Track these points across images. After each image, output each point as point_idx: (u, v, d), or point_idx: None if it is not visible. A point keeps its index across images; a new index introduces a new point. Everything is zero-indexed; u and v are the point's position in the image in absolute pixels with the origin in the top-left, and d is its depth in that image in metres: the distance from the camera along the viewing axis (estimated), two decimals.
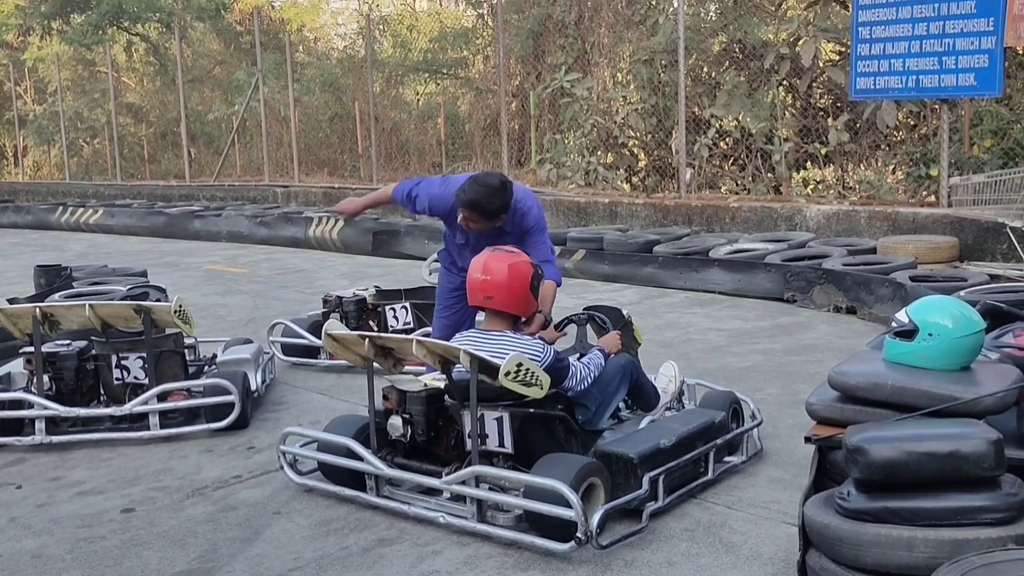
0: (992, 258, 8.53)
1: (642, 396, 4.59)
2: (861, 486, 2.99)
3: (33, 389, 5.27)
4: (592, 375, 4.27)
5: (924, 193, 10.50)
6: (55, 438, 5.15)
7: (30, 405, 5.16)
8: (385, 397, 4.20)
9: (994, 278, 7.54)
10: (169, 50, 22.85)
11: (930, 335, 3.39)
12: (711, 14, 13.49)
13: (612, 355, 4.51)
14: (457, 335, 4.32)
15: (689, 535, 3.80)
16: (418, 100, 19.37)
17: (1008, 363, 3.62)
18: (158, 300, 6.64)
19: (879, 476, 2.93)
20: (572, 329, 5.02)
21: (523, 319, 4.30)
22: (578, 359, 4.54)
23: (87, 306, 5.32)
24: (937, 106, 10.01)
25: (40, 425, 5.14)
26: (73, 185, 21.62)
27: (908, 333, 3.45)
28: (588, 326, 4.99)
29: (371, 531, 3.96)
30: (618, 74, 14.58)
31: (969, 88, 9.09)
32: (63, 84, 23.05)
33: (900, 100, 10.32)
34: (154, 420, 5.22)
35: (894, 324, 3.55)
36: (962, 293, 5.86)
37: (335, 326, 4.24)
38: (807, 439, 3.48)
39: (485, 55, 18.09)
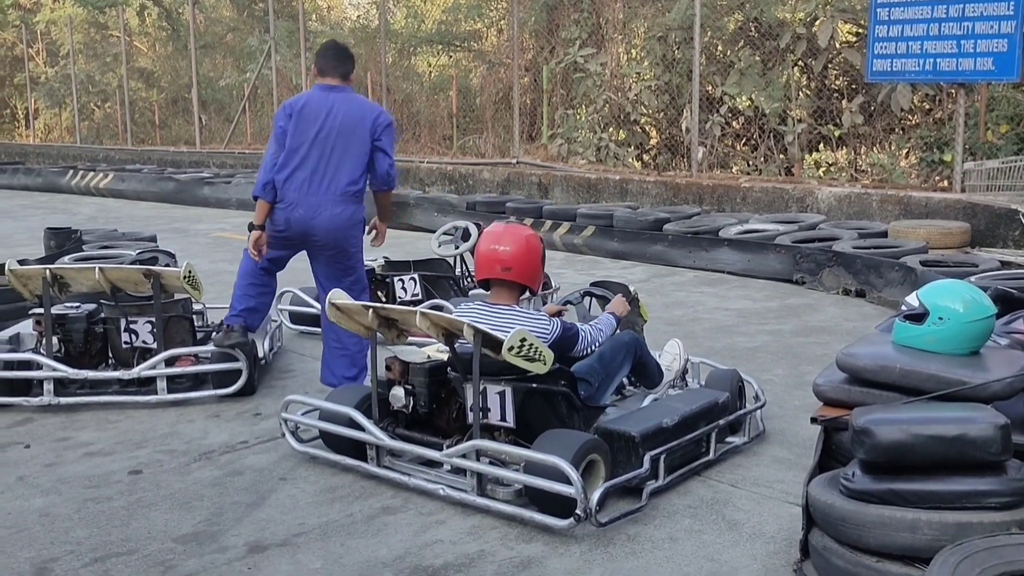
0: (1004, 244, 8.49)
1: (645, 373, 4.59)
2: (866, 467, 2.99)
3: (42, 350, 5.30)
4: (603, 334, 4.27)
5: (937, 178, 10.44)
6: (63, 399, 5.18)
7: (39, 366, 5.19)
8: (388, 368, 4.21)
9: (1005, 264, 7.51)
10: (182, 15, 22.76)
11: (940, 319, 3.38)
12: None
13: (621, 316, 4.51)
14: (463, 306, 4.32)
15: (692, 512, 3.81)
16: (430, 72, 19.27)
17: (1017, 349, 3.61)
18: (167, 265, 6.65)
19: (885, 458, 2.93)
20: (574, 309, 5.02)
21: (533, 291, 4.31)
22: None
23: (97, 269, 5.33)
24: (953, 90, 9.94)
25: (48, 386, 5.17)
26: (84, 149, 21.62)
27: (918, 316, 3.44)
28: (593, 300, 4.98)
29: (376, 499, 3.98)
30: (632, 50, 14.49)
31: (986, 72, 9.01)
32: (75, 47, 23.00)
33: (916, 83, 10.25)
34: (161, 384, 5.25)
35: (904, 307, 3.54)
36: (973, 279, 5.83)
37: (339, 295, 4.25)
38: (813, 420, 3.48)
39: (499, 28, 17.98)
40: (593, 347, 4.24)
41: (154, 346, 5.34)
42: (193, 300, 5.76)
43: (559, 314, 4.71)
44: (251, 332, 5.39)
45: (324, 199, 5.15)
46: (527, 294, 4.40)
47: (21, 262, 5.61)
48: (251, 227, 5.30)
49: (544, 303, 6.36)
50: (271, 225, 5.26)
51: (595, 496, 3.55)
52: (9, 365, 5.22)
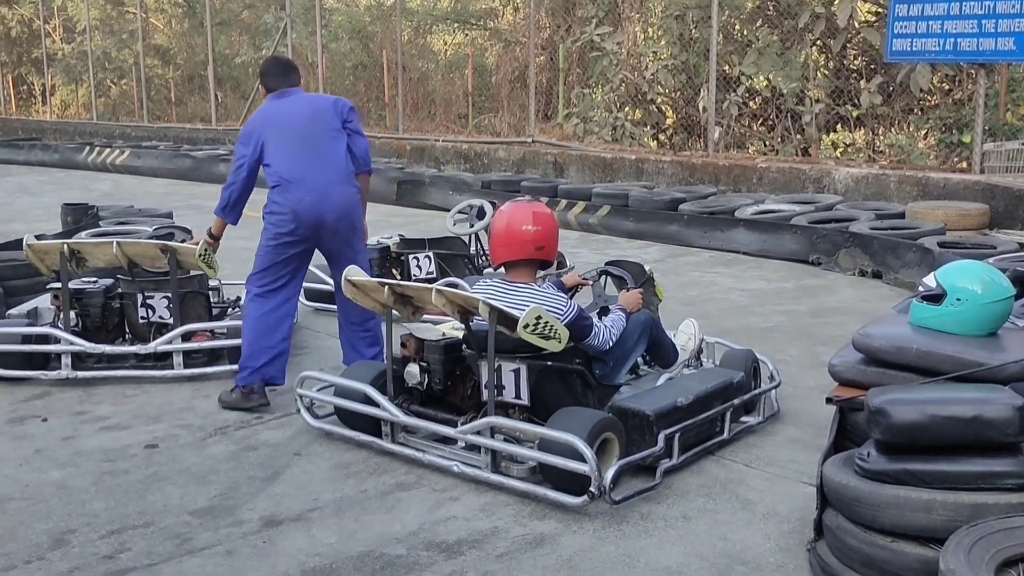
0: (1023, 226, 8.42)
1: (660, 353, 4.58)
2: (882, 448, 2.98)
3: (60, 324, 5.34)
4: (614, 338, 4.25)
5: (956, 159, 10.35)
6: (80, 373, 5.22)
7: (56, 340, 5.23)
8: (403, 345, 4.22)
9: None
10: None
11: (958, 300, 3.36)
12: None
13: (632, 312, 4.49)
14: (480, 283, 4.32)
15: (706, 491, 3.81)
16: (446, 50, 19.20)
17: None
18: (183, 241, 6.67)
19: (900, 438, 2.92)
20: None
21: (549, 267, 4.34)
22: (598, 314, 4.54)
23: (114, 244, 5.35)
24: (973, 71, 9.83)
25: (66, 360, 5.21)
26: (100, 125, 21.66)
27: (936, 297, 3.42)
28: (608, 280, 4.97)
29: (390, 475, 4.00)
30: (649, 29, 14.39)
31: (1007, 53, 8.92)
32: (92, 24, 23.00)
33: (937, 63, 10.14)
34: (178, 359, 5.28)
35: (922, 288, 3.52)
36: (991, 260, 5.79)
37: (355, 271, 4.25)
38: (828, 400, 3.47)
39: (515, 6, 17.88)
40: (606, 346, 4.21)
41: (170, 321, 5.37)
42: (209, 277, 5.77)
43: (578, 286, 4.71)
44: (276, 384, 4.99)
45: (327, 182, 4.93)
46: (541, 271, 4.40)
47: (39, 237, 5.63)
48: (210, 234, 5.33)
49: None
50: (273, 234, 4.95)
51: (609, 474, 3.55)
52: (27, 339, 5.26)
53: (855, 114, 11.65)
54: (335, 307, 6.63)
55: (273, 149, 4.95)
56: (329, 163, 4.99)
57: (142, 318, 5.42)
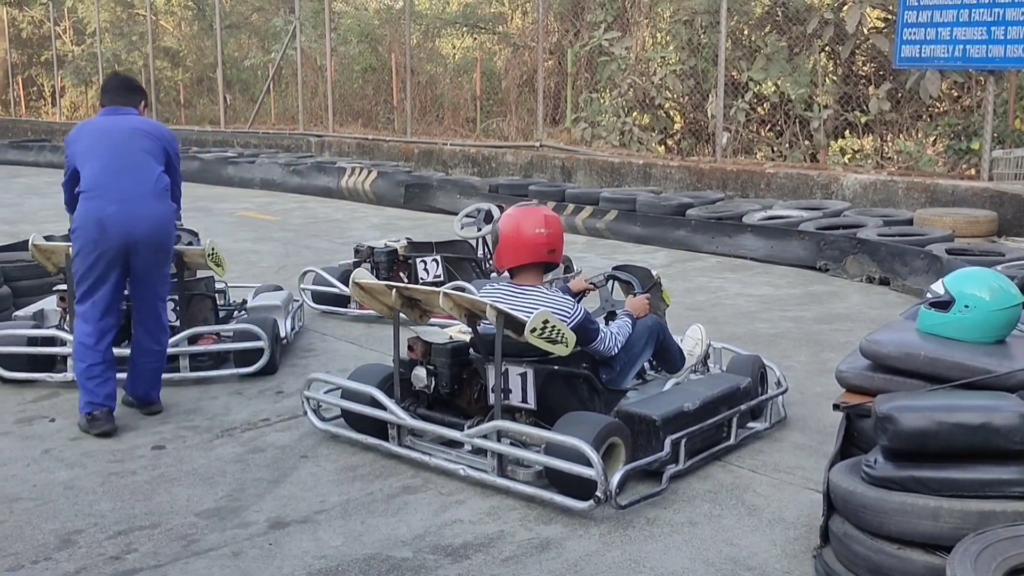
0: None
1: (667, 358, 4.58)
2: (889, 454, 2.97)
3: (66, 326, 5.34)
4: (619, 343, 4.25)
5: (964, 166, 10.33)
6: None
7: (63, 342, 5.24)
8: (410, 348, 4.23)
9: None
10: None
11: (966, 307, 3.35)
12: None
13: (638, 318, 4.49)
14: (487, 287, 4.32)
15: (712, 497, 3.81)
16: (454, 54, 19.23)
17: None
18: (190, 244, 6.68)
19: (908, 445, 2.91)
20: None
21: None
22: (605, 319, 4.54)
23: None
24: (982, 77, 9.82)
25: (72, 362, 5.21)
26: None
27: (944, 304, 3.41)
28: (615, 284, 4.97)
29: (396, 478, 4.00)
30: (657, 34, 14.39)
31: (1017, 60, 8.90)
32: (102, 26, 23.09)
33: (945, 70, 10.12)
34: (184, 362, 5.28)
35: (930, 295, 3.51)
36: (999, 268, 5.77)
37: (362, 274, 4.26)
38: (836, 406, 3.46)
39: (524, 10, 17.90)
40: (611, 352, 4.21)
41: (177, 324, 5.37)
42: (215, 278, 5.78)
43: (585, 291, 4.71)
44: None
45: (138, 194, 4.60)
46: (549, 274, 4.41)
47: (47, 238, 5.65)
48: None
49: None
50: (77, 251, 4.58)
51: (615, 479, 3.55)
52: (33, 341, 5.28)
53: (863, 120, 11.63)
54: (341, 310, 6.69)
55: (84, 155, 4.67)
56: (141, 175, 4.63)
57: None
